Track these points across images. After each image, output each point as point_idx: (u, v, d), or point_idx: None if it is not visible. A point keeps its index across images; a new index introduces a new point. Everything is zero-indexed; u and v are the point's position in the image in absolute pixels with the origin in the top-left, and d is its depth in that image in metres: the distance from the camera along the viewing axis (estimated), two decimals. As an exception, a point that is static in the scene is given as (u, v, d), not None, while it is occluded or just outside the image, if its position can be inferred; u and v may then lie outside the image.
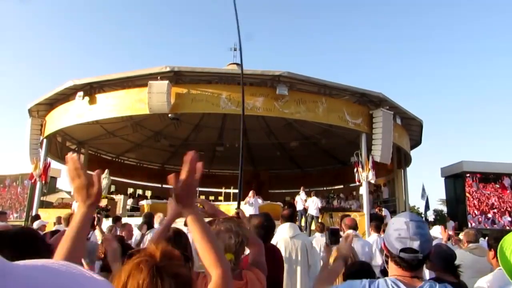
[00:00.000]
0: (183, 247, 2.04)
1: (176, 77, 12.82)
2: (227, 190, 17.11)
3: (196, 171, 1.23)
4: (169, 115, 13.31)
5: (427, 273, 3.20)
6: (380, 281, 1.47)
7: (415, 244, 1.42)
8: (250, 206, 11.73)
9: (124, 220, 8.44)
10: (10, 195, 19.49)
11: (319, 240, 5.63)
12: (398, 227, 1.48)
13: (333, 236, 3.00)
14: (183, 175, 1.22)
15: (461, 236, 5.88)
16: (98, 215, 5.84)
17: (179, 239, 2.16)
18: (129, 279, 0.89)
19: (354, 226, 4.93)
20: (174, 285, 0.88)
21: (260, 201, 12.43)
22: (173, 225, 2.05)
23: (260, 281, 1.73)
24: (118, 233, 5.75)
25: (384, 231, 5.60)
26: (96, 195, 1.22)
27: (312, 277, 5.22)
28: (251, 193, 12.40)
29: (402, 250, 1.43)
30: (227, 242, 1.67)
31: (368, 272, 2.21)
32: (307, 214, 12.59)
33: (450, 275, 2.64)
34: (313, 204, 12.46)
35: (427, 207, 18.28)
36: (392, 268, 1.50)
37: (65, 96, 14.48)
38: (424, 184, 24.54)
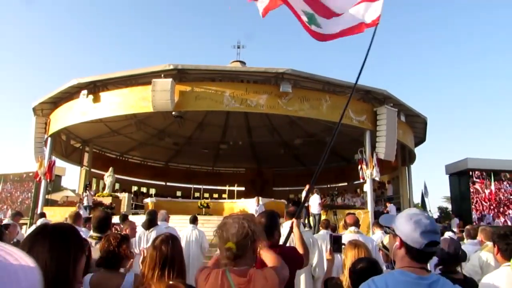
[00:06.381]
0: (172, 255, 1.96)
1: (179, 75, 12.81)
2: (231, 188, 17.11)
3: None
4: (173, 113, 13.32)
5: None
6: (387, 275, 1.47)
7: (438, 237, 1.52)
8: (256, 213, 11.87)
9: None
10: (5, 194, 19.32)
11: (324, 237, 5.62)
12: (421, 222, 1.48)
13: (336, 244, 2.98)
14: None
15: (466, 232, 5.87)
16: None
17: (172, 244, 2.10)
18: None
19: (355, 224, 4.91)
20: None
21: (261, 202, 13.03)
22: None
23: (268, 280, 1.67)
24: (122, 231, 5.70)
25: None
26: None
27: (316, 277, 5.23)
28: (255, 200, 12.95)
29: (429, 244, 1.45)
30: (230, 231, 1.70)
31: (375, 269, 2.19)
32: (310, 214, 12.45)
33: (456, 270, 2.63)
34: (314, 202, 12.32)
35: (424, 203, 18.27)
36: (405, 260, 1.50)
37: (69, 94, 14.54)
38: (426, 182, 24.46)
